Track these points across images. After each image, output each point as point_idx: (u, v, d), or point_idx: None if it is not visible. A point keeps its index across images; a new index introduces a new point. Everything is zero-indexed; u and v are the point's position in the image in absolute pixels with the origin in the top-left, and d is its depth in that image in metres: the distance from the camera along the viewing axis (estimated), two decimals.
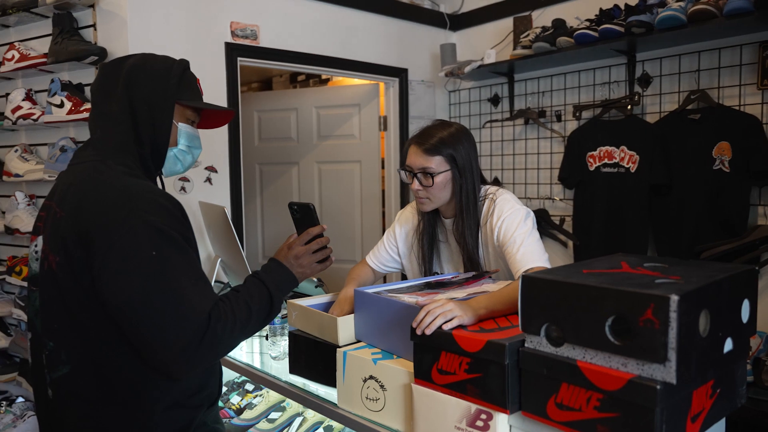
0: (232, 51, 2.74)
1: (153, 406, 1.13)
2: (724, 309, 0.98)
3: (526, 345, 1.05)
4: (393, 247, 1.89)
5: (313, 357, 1.57)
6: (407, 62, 3.46)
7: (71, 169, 1.20)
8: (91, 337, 1.10)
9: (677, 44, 2.62)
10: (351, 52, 3.19)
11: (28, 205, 2.65)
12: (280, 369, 1.75)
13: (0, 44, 2.79)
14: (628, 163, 2.76)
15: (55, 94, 2.48)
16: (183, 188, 2.62)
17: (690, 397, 0.95)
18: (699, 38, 2.54)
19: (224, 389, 2.39)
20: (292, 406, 2.09)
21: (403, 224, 1.88)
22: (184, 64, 1.26)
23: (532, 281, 1.04)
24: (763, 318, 2.29)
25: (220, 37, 2.70)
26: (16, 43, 2.62)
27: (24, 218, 2.60)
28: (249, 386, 2.34)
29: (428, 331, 1.17)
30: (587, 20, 2.74)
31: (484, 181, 1.75)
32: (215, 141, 2.71)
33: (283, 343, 1.82)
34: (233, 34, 2.74)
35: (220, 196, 2.74)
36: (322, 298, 1.73)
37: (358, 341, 1.49)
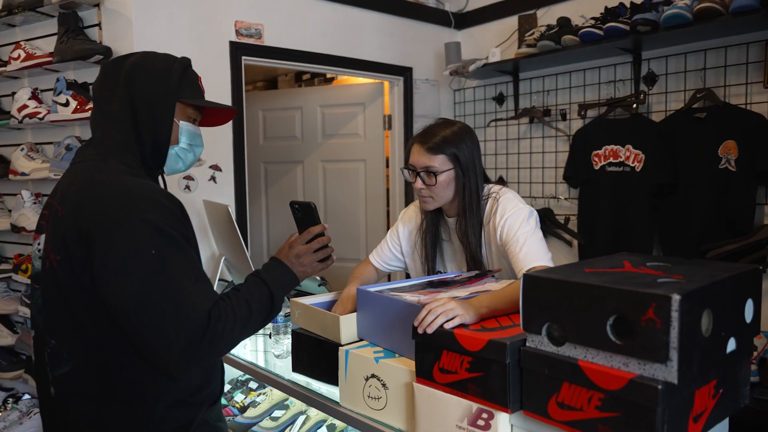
0: (237, 50, 2.74)
1: (154, 404, 1.13)
2: (727, 308, 0.98)
3: (527, 344, 1.05)
4: (396, 245, 1.89)
5: (316, 355, 1.57)
6: (412, 61, 3.46)
7: (73, 167, 1.20)
8: (92, 335, 1.11)
9: (683, 42, 2.61)
10: (355, 51, 3.19)
11: (34, 203, 2.67)
12: (284, 367, 1.75)
13: (6, 43, 2.81)
14: (633, 162, 2.75)
15: (60, 93, 2.49)
16: (187, 187, 2.63)
17: (692, 397, 0.94)
18: (705, 36, 2.52)
19: (228, 387, 2.40)
20: (296, 405, 2.10)
21: (407, 223, 1.88)
22: (185, 62, 1.26)
23: (533, 280, 1.03)
24: None
25: (224, 36, 2.71)
26: (22, 43, 2.63)
27: (30, 216, 2.61)
28: (253, 384, 2.35)
29: (430, 330, 1.17)
30: (592, 18, 2.73)
31: (487, 180, 1.75)
32: (220, 140, 2.72)
33: (287, 342, 1.82)
34: (238, 33, 2.74)
35: (225, 194, 2.75)
36: (325, 297, 1.74)
37: (361, 340, 1.49)
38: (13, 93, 2.70)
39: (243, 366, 1.86)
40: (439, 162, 1.63)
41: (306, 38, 2.98)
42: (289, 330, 1.73)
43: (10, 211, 2.82)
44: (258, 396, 2.26)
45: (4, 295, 2.87)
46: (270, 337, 1.95)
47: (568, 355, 0.98)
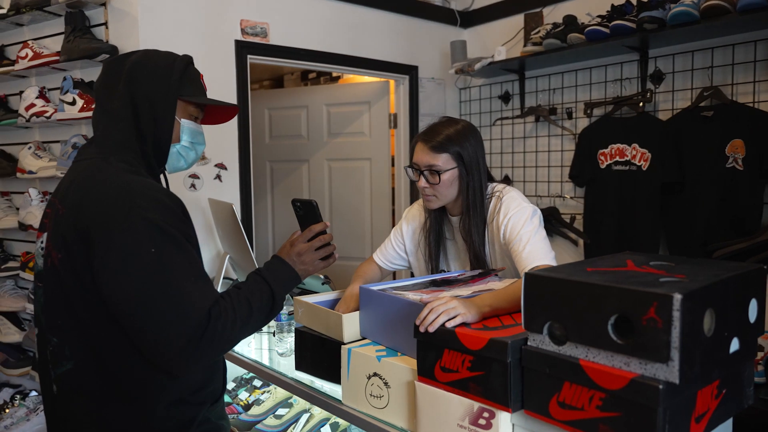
0: (242, 49, 2.75)
1: (156, 402, 1.14)
2: (731, 308, 0.97)
3: (528, 343, 1.05)
4: (400, 244, 1.89)
5: (319, 354, 1.57)
6: (417, 60, 3.45)
7: (75, 166, 1.21)
8: (93, 333, 1.11)
9: (690, 40, 2.59)
10: (361, 49, 3.18)
11: (41, 201, 2.69)
12: (287, 365, 1.76)
13: (14, 42, 2.83)
14: (639, 161, 2.73)
15: (67, 91, 2.51)
16: (193, 185, 2.64)
17: (694, 397, 0.94)
18: (712, 34, 2.50)
19: (233, 385, 2.41)
20: (299, 403, 2.10)
21: (410, 221, 1.88)
22: (186, 59, 1.26)
23: (535, 279, 1.03)
24: None
25: (230, 35, 2.71)
26: (29, 42, 2.65)
27: (37, 214, 2.63)
28: (257, 382, 2.35)
29: (431, 329, 1.17)
30: (599, 16, 2.71)
31: (491, 179, 1.74)
32: (225, 138, 2.72)
33: (290, 340, 1.82)
34: (243, 31, 2.75)
35: (230, 193, 2.76)
36: (329, 295, 1.74)
37: (364, 338, 1.49)
38: (21, 92, 2.72)
39: (247, 364, 1.87)
40: (443, 161, 1.63)
41: (311, 37, 2.98)
42: (293, 328, 1.73)
43: (17, 209, 2.84)
44: (262, 394, 2.27)
45: (11, 292, 2.89)
46: (274, 335, 1.96)
47: (569, 354, 0.98)
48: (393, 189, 3.62)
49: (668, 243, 2.70)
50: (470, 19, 3.58)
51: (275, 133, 3.89)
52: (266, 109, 3.88)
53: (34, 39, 2.71)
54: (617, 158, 2.82)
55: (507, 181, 3.40)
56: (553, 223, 3.10)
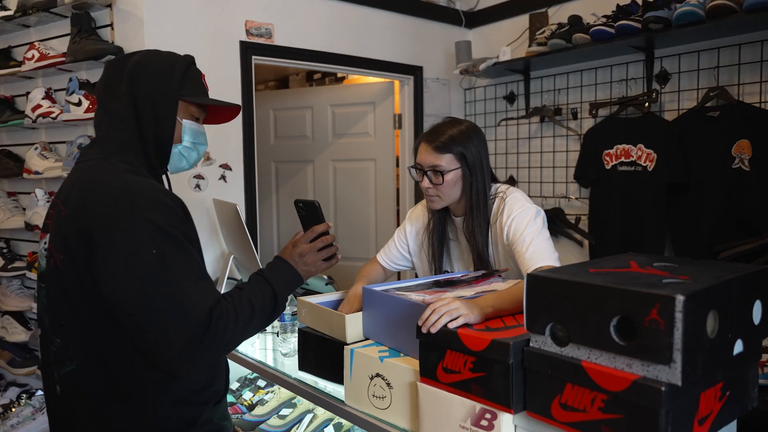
0: (247, 49, 2.75)
1: (158, 402, 1.14)
2: (734, 310, 0.96)
3: (530, 344, 1.04)
4: (404, 245, 1.89)
5: (322, 354, 1.57)
6: (422, 60, 3.45)
7: (77, 167, 1.21)
8: (95, 334, 1.12)
9: (696, 40, 2.58)
10: (366, 50, 3.18)
11: (48, 201, 2.70)
12: (291, 366, 1.76)
13: (21, 44, 2.84)
14: (645, 162, 2.72)
15: (73, 92, 2.52)
16: (198, 186, 2.65)
17: (697, 399, 0.93)
18: (718, 34, 2.49)
19: (237, 385, 2.41)
20: (303, 403, 2.11)
21: (414, 222, 1.88)
22: (187, 60, 1.25)
23: (537, 280, 1.03)
24: None
25: (235, 36, 2.72)
26: (36, 43, 2.66)
27: (43, 215, 2.64)
28: (261, 382, 2.36)
29: (433, 330, 1.17)
30: (604, 16, 2.70)
31: (494, 180, 1.74)
32: (230, 139, 2.73)
33: (294, 340, 1.83)
34: (248, 32, 2.76)
35: (235, 193, 2.76)
36: (332, 296, 1.74)
37: (367, 339, 1.49)
38: (28, 93, 2.74)
39: (251, 364, 1.87)
40: (446, 161, 1.63)
41: (316, 38, 2.98)
42: (297, 328, 1.73)
43: (24, 209, 2.86)
44: (266, 394, 2.28)
45: (18, 292, 2.91)
46: (278, 336, 1.96)
47: (571, 355, 0.98)
48: (397, 189, 3.62)
49: (674, 244, 2.69)
50: (475, 19, 3.58)
51: (280, 134, 3.90)
52: (271, 110, 3.89)
53: (41, 40, 2.73)
54: (622, 159, 2.80)
55: (512, 181, 3.39)
56: (558, 223, 3.09)
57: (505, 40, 3.36)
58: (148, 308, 1.04)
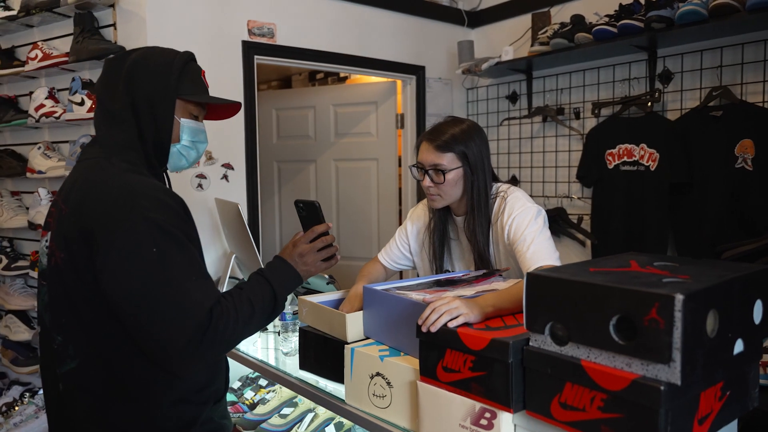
0: (249, 49, 2.75)
1: (159, 401, 1.14)
2: (735, 309, 0.96)
3: (530, 344, 1.04)
4: (405, 244, 1.89)
5: (323, 353, 1.57)
6: (424, 60, 3.45)
7: (78, 165, 1.21)
8: (96, 333, 1.12)
9: (699, 39, 2.57)
10: (368, 49, 3.19)
11: (51, 201, 2.71)
12: (292, 365, 1.76)
13: (24, 44, 2.85)
14: (647, 161, 2.71)
15: (76, 92, 2.53)
16: (200, 185, 2.65)
17: (697, 398, 0.93)
18: (721, 33, 2.48)
19: (238, 384, 2.41)
20: (304, 402, 2.11)
21: (415, 222, 1.88)
22: (186, 56, 1.24)
23: (537, 279, 1.03)
24: None
25: (237, 36, 2.72)
26: (39, 43, 2.67)
27: (46, 214, 2.65)
28: (262, 382, 2.36)
29: (433, 329, 1.17)
30: (606, 16, 2.70)
31: (495, 179, 1.74)
32: (232, 138, 2.73)
33: (295, 339, 1.83)
34: (250, 32, 2.76)
35: (237, 193, 2.77)
36: (333, 295, 1.74)
37: (367, 338, 1.49)
38: (31, 92, 2.75)
39: (252, 363, 1.87)
40: (448, 160, 1.63)
41: (318, 37, 2.98)
42: (298, 327, 1.73)
43: (27, 208, 2.87)
44: (267, 393, 2.28)
45: (21, 291, 2.92)
46: (279, 335, 1.96)
47: (571, 355, 0.97)
48: (400, 189, 3.62)
49: (676, 244, 2.68)
50: (477, 19, 3.58)
51: (283, 134, 3.90)
52: (274, 110, 3.89)
53: (44, 40, 2.74)
54: (625, 158, 2.80)
55: (514, 181, 3.39)
56: (561, 223, 3.08)
57: (507, 39, 3.36)
58: (149, 307, 1.04)
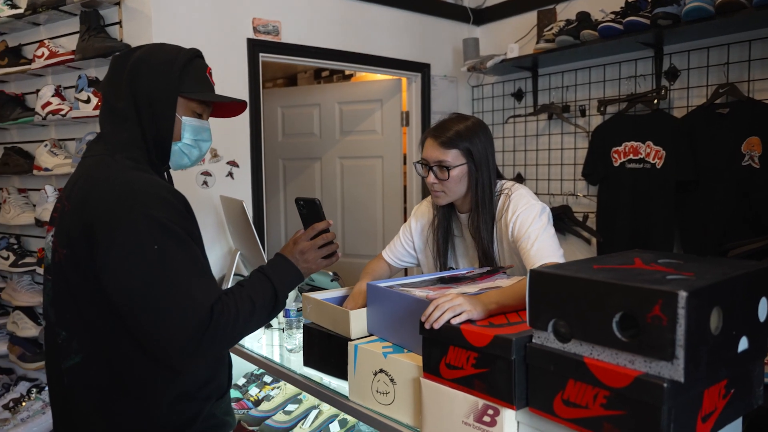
0: (254, 47, 2.76)
1: (161, 397, 1.14)
2: (739, 307, 0.96)
3: (533, 340, 1.04)
4: (409, 241, 1.89)
5: (327, 350, 1.58)
6: (430, 57, 3.44)
7: (82, 162, 1.22)
8: (98, 328, 1.12)
9: (705, 36, 2.55)
10: (373, 47, 3.18)
11: (57, 198, 2.72)
12: (297, 362, 1.76)
13: (31, 42, 2.87)
14: (653, 159, 2.70)
15: (82, 90, 2.54)
16: (205, 182, 2.66)
17: (701, 396, 0.92)
18: (728, 30, 2.46)
19: (243, 381, 2.42)
20: (309, 399, 2.11)
21: (419, 219, 1.88)
22: (190, 53, 1.23)
23: (540, 276, 1.02)
24: None
25: (242, 34, 2.73)
26: (45, 41, 2.68)
27: (52, 210, 2.67)
28: (267, 378, 2.37)
29: (436, 326, 1.17)
30: (612, 13, 2.68)
31: (500, 176, 1.73)
32: (237, 136, 2.74)
33: (299, 336, 1.83)
34: (255, 30, 2.76)
35: (242, 190, 2.78)
36: (338, 292, 1.75)
37: (371, 335, 1.49)
38: (38, 90, 2.76)
39: (257, 360, 1.88)
40: (452, 156, 1.63)
41: (323, 35, 2.99)
42: (302, 324, 1.74)
43: (34, 205, 2.89)
44: (272, 390, 2.29)
45: (28, 287, 2.94)
46: (283, 332, 1.97)
47: (573, 352, 0.97)
48: (405, 187, 3.62)
49: (682, 242, 2.67)
50: (483, 16, 3.57)
51: (288, 131, 3.91)
52: (279, 107, 3.90)
53: (50, 38, 2.75)
54: (631, 156, 2.79)
55: (519, 179, 3.38)
56: (566, 221, 3.07)
57: (512, 37, 3.35)
58: (149, 304, 1.04)
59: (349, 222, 3.76)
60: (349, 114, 3.70)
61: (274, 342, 2.03)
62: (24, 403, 2.86)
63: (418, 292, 1.38)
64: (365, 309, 1.50)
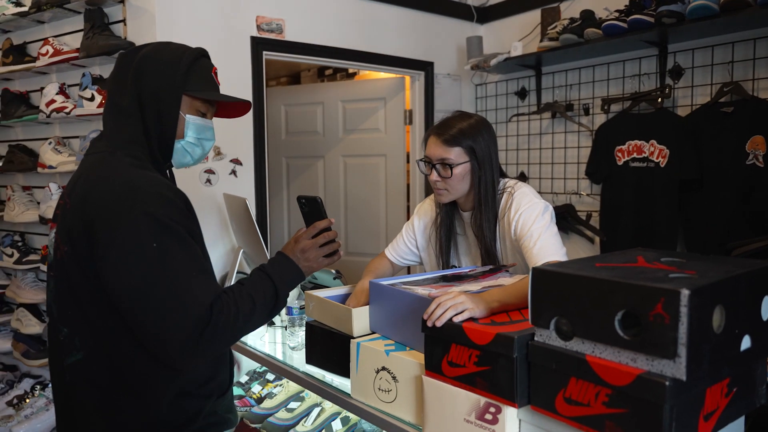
0: (258, 45, 2.76)
1: (161, 394, 1.15)
2: (742, 305, 0.95)
3: (535, 338, 1.04)
4: (411, 239, 1.89)
5: (329, 348, 1.58)
6: (433, 55, 3.44)
7: (85, 159, 1.22)
8: (99, 326, 1.13)
9: (710, 35, 2.54)
10: (376, 45, 3.18)
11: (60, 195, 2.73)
12: (299, 359, 1.77)
13: (35, 40, 2.88)
14: (657, 158, 2.70)
15: (86, 87, 2.55)
16: (208, 180, 2.67)
17: (703, 394, 0.92)
18: (732, 28, 2.45)
19: (246, 378, 2.43)
20: (311, 397, 2.12)
21: (422, 217, 1.88)
22: (196, 53, 1.23)
23: (542, 274, 1.02)
24: None
25: (245, 31, 2.73)
26: (50, 39, 2.69)
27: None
28: (270, 376, 2.37)
29: (438, 323, 1.17)
30: (616, 11, 2.68)
31: (503, 175, 1.73)
32: (240, 134, 2.74)
33: (301, 334, 1.83)
34: (259, 28, 2.77)
35: (245, 188, 2.78)
36: (340, 290, 1.75)
37: (373, 333, 1.49)
38: (42, 88, 2.77)
39: (260, 357, 1.88)
40: (455, 154, 1.62)
41: (327, 33, 2.99)
42: (304, 322, 1.74)
43: (38, 203, 2.90)
44: (275, 387, 2.29)
45: (32, 285, 2.95)
46: (286, 329, 1.97)
47: (575, 350, 0.97)
48: (408, 185, 3.62)
49: (686, 241, 2.66)
50: (487, 14, 3.56)
51: (291, 129, 3.91)
52: (282, 106, 3.90)
53: (55, 36, 2.76)
54: (635, 155, 2.78)
55: (523, 177, 3.38)
56: (569, 220, 3.07)
57: (516, 35, 3.35)
58: (149, 302, 1.05)
59: (352, 220, 3.76)
60: (352, 112, 3.70)
61: (277, 339, 2.03)
62: (28, 400, 2.87)
63: (421, 290, 1.37)
64: (368, 307, 1.50)
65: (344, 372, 1.49)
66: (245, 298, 1.13)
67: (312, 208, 1.28)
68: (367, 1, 3.13)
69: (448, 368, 1.17)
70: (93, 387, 1.15)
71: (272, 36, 2.81)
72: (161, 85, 1.18)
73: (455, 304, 1.18)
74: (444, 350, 1.17)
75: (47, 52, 2.67)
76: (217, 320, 1.07)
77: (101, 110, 2.50)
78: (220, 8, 2.64)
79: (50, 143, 2.76)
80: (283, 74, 5.10)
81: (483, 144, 1.65)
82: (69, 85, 2.75)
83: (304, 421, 2.03)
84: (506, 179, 1.72)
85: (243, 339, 1.97)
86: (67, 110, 2.64)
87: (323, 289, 1.75)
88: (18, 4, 2.80)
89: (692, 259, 1.07)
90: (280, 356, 1.84)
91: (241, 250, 2.53)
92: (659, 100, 2.69)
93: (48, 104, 2.69)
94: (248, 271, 2.61)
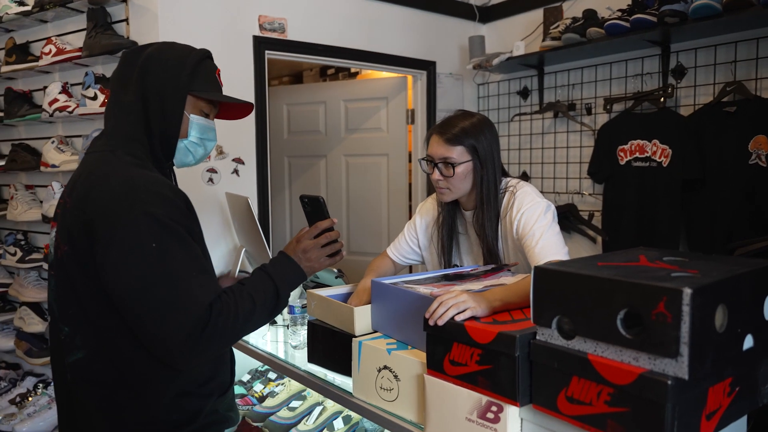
0: (260, 44, 2.76)
1: (162, 393, 1.15)
2: (744, 304, 0.95)
3: (537, 337, 1.04)
4: (413, 238, 1.89)
5: (331, 346, 1.58)
6: (435, 55, 3.44)
7: (86, 157, 1.22)
8: (99, 325, 1.13)
9: (713, 34, 2.54)
10: (379, 45, 3.18)
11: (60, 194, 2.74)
12: (301, 358, 1.77)
13: (38, 39, 2.88)
14: (660, 158, 2.69)
15: (89, 86, 2.55)
16: (211, 179, 2.67)
17: (705, 394, 0.92)
18: (735, 28, 2.45)
19: (248, 377, 2.43)
20: (313, 395, 2.12)
21: (424, 216, 1.88)
22: (201, 54, 1.24)
23: (544, 273, 1.02)
24: None
25: (248, 31, 2.73)
26: (53, 38, 2.70)
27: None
28: (272, 375, 2.38)
29: (440, 322, 1.17)
30: (619, 10, 2.67)
31: (505, 174, 1.73)
32: (243, 133, 2.75)
33: (304, 332, 1.84)
34: (261, 27, 2.77)
35: (247, 187, 2.78)
36: (342, 289, 1.75)
37: (375, 331, 1.49)
38: (45, 87, 2.78)
39: (261, 356, 1.89)
40: (458, 153, 1.62)
41: (329, 32, 2.99)
42: (306, 321, 1.74)
43: (41, 202, 2.90)
44: (276, 386, 2.29)
45: (35, 283, 2.95)
46: (288, 328, 1.97)
47: (577, 348, 0.97)
48: (410, 185, 3.62)
49: (689, 241, 2.66)
50: (489, 14, 3.56)
51: (293, 129, 3.91)
52: (284, 105, 3.90)
53: (58, 35, 2.76)
54: (637, 154, 2.78)
55: (525, 177, 3.37)
56: (572, 220, 3.06)
57: (519, 34, 3.34)
58: (148, 301, 1.05)
59: (354, 219, 3.76)
60: (354, 112, 3.70)
61: (279, 338, 2.03)
62: (30, 398, 2.88)
63: (423, 289, 1.38)
64: (369, 306, 1.50)
65: (346, 371, 1.49)
66: (245, 297, 1.13)
67: (314, 208, 1.28)
68: (370, 0, 3.13)
69: (450, 367, 1.17)
70: (94, 386, 1.15)
71: (274, 35, 2.81)
72: (167, 84, 1.19)
73: (457, 303, 1.18)
74: (446, 349, 1.17)
75: (50, 51, 2.68)
76: (217, 320, 1.07)
77: (104, 109, 2.50)
78: (222, 7, 2.65)
79: (53, 142, 2.76)
80: (285, 73, 5.11)
81: (485, 143, 1.65)
82: (72, 84, 2.75)
83: (306, 420, 2.03)
84: (508, 178, 1.72)
85: (245, 338, 1.98)
86: (69, 109, 2.64)
87: (325, 288, 1.75)
88: (21, 4, 2.80)
89: (694, 258, 1.07)
90: (282, 355, 1.85)
91: (243, 249, 2.54)
92: (662, 99, 2.69)
93: (51, 103, 2.69)
94: (250, 270, 2.61)
